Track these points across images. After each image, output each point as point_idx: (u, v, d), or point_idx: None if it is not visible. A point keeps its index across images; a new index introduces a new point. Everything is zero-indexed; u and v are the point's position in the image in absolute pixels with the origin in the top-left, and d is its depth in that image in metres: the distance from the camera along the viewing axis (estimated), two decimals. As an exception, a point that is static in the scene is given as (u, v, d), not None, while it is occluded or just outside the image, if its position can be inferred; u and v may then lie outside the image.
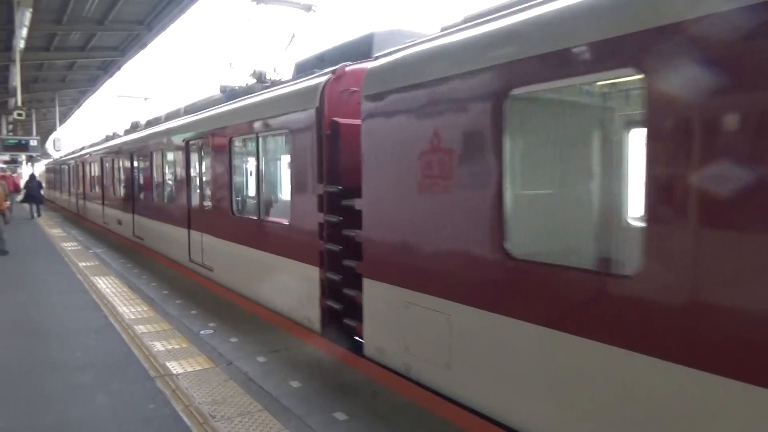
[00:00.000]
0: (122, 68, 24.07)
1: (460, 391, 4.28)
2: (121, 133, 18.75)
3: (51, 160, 39.15)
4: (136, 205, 14.26)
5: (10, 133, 27.50)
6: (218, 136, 8.69)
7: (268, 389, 4.85)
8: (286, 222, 6.86)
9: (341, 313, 5.85)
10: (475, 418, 4.07)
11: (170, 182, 12.00)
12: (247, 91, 8.83)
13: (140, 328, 6.71)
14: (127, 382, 5.04)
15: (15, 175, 33.10)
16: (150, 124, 14.85)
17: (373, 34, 6.69)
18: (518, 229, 3.90)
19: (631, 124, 4.78)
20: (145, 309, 7.71)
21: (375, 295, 5.19)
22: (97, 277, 10.01)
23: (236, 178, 8.55)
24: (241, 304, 7.82)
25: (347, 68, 6.09)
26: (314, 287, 6.16)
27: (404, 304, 4.74)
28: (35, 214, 22.97)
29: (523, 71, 3.65)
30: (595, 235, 4.64)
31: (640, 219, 3.87)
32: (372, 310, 5.28)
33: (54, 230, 18.56)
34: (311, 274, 6.19)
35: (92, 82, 28.42)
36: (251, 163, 8.70)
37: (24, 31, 14.31)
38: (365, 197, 5.22)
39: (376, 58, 5.34)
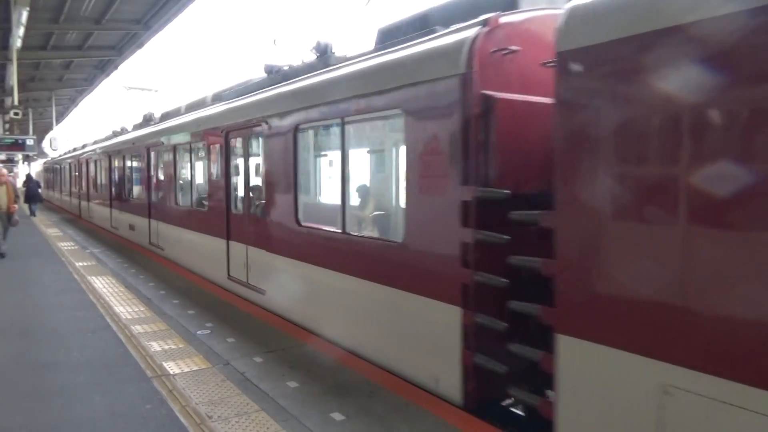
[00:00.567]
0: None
1: None
2: (130, 127, 17.49)
3: (50, 158, 37.35)
4: (154, 208, 12.54)
5: (7, 133, 27.40)
6: (274, 125, 6.96)
7: (265, 389, 4.84)
8: (396, 239, 5.17)
9: (504, 379, 3.99)
10: (473, 419, 4.07)
11: (200, 182, 10.46)
12: (310, 68, 7.04)
13: (137, 328, 6.69)
14: (123, 383, 5.02)
15: (11, 174, 32.90)
16: (166, 116, 13.23)
17: None
18: None
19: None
20: (141, 309, 7.69)
21: (589, 367, 3.25)
22: (93, 277, 9.98)
23: (304, 177, 6.97)
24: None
25: (502, 18, 4.30)
26: (451, 335, 4.31)
27: (663, 389, 2.86)
28: (35, 213, 23.37)
29: None
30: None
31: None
32: (581, 388, 3.33)
33: (51, 230, 18.51)
34: (444, 315, 4.37)
35: (89, 82, 28.38)
36: (330, 158, 7.39)
37: (21, 30, 14.29)
38: (565, 210, 3.39)
39: None
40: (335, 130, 6.31)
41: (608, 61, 3.16)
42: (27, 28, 14.55)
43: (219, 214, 8.73)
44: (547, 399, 3.73)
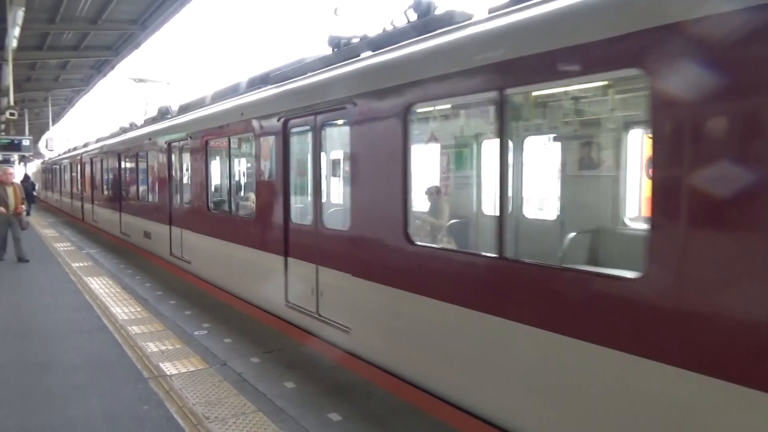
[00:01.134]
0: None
1: None
2: (141, 122, 15.84)
3: (49, 158, 35.21)
4: (178, 214, 10.64)
5: (3, 133, 27.32)
6: (368, 106, 5.15)
7: (263, 390, 4.83)
8: (635, 275, 3.11)
9: None
10: (470, 419, 4.07)
11: (244, 183, 9.24)
12: (411, 31, 5.24)
13: (134, 329, 6.67)
14: (120, 384, 5.01)
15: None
16: (186, 108, 11.43)
17: None
18: None
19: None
20: (138, 310, 7.67)
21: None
22: (90, 278, 9.95)
23: (409, 177, 4.75)
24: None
25: None
26: None
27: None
28: (29, 213, 23.20)
29: None
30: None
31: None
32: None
33: (47, 230, 18.45)
34: None
35: (86, 82, 28.29)
36: (471, 148, 6.29)
37: (16, 30, 14.23)
38: None
39: None
40: (485, 109, 4.90)
41: None
42: (23, 29, 14.48)
43: (272, 224, 6.95)
44: None
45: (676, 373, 2.83)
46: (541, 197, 6.80)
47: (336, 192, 8.06)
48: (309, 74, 6.63)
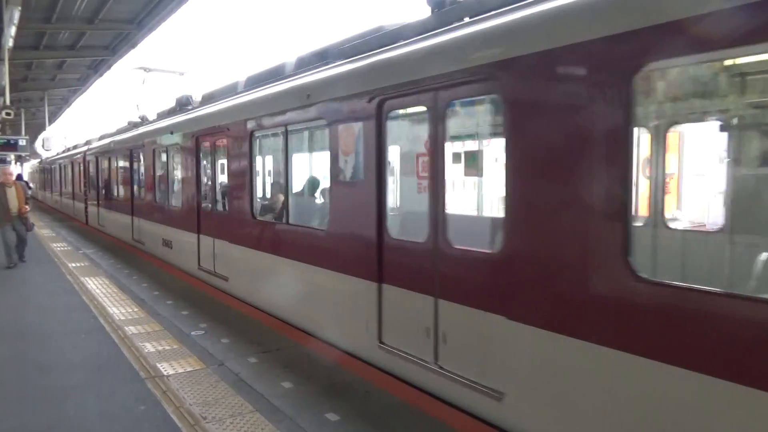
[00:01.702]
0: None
1: None
2: (152, 117, 14.42)
3: (47, 156, 33.86)
4: (209, 221, 9.03)
5: (-1, 133, 27.26)
6: (562, 71, 3.51)
7: (260, 390, 4.83)
8: None
9: None
10: (468, 419, 4.08)
11: (309, 187, 7.44)
12: None
13: (130, 329, 6.66)
14: (117, 384, 5.00)
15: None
16: (211, 98, 9.84)
17: None
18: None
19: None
20: (135, 310, 7.66)
21: None
22: (86, 278, 9.93)
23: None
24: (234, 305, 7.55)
25: None
26: None
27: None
28: None
29: None
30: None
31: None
32: None
33: (43, 231, 18.40)
34: None
35: (82, 82, 28.24)
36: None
37: (12, 30, 14.19)
38: None
39: None
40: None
41: None
42: (19, 28, 14.45)
43: (356, 237, 5.34)
44: None
45: None
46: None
47: (469, 196, 6.46)
48: (405, 42, 5.05)
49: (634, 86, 3.03)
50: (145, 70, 17.95)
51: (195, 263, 9.41)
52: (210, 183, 9.31)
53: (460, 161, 5.79)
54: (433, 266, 4.46)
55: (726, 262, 3.58)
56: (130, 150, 13.79)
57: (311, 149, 7.59)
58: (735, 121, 4.32)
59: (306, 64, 6.98)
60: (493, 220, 4.76)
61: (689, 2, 2.78)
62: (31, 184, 32.85)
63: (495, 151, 5.00)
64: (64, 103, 35.39)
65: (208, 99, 10.11)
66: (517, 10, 3.89)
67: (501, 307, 3.84)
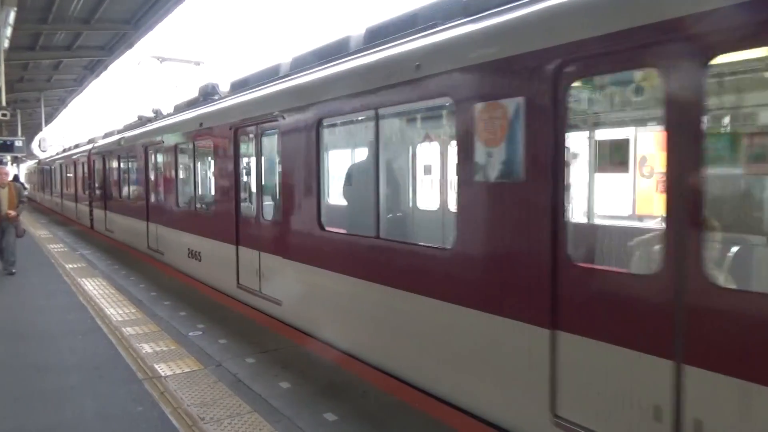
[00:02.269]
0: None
1: None
2: (167, 109, 13.12)
3: (46, 156, 32.15)
4: (251, 232, 7.45)
5: (-5, 134, 27.18)
6: None
7: (258, 390, 4.82)
8: None
9: None
10: (466, 418, 4.08)
11: (413, 189, 6.45)
12: None
13: (128, 330, 6.65)
14: (114, 385, 4.99)
15: None
16: (244, 84, 8.60)
17: None
18: None
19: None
20: (132, 311, 7.64)
21: None
22: (84, 279, 9.90)
23: None
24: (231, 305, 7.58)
25: None
26: None
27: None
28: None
29: None
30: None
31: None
32: None
33: (40, 232, 18.35)
34: None
35: (79, 82, 28.20)
36: None
37: (8, 31, 14.18)
38: None
39: None
40: None
41: None
42: (15, 29, 14.44)
43: (507, 262, 3.85)
44: None
45: None
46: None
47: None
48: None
49: None
50: (159, 60, 16.63)
51: (233, 280, 7.84)
52: (253, 184, 7.62)
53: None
54: (671, 312, 2.87)
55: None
56: (145, 147, 12.16)
57: (416, 138, 6.24)
58: None
59: (373, 38, 5.76)
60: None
61: None
62: (26, 185, 32.73)
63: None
64: (61, 103, 35.34)
65: (240, 86, 8.74)
66: None
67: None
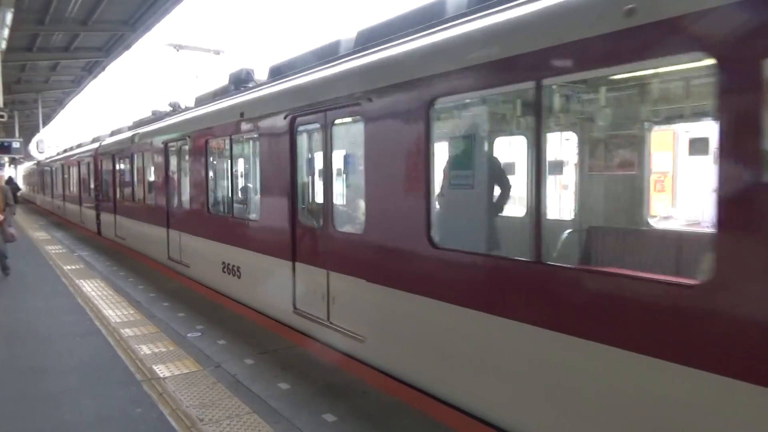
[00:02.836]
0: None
1: None
2: (184, 103, 12.09)
3: (46, 157, 30.96)
4: (310, 242, 6.14)
5: (-8, 135, 27.12)
6: None
7: (257, 391, 4.82)
8: None
9: None
10: (464, 418, 4.08)
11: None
12: None
13: (126, 332, 6.64)
14: (113, 387, 4.98)
15: None
16: (289, 68, 7.25)
17: None
18: None
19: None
20: (131, 312, 7.63)
21: None
22: (82, 281, 9.89)
23: None
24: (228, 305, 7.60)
25: None
26: None
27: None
28: (14, 212, 23.43)
29: None
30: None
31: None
32: None
33: (38, 233, 18.31)
34: None
35: (76, 83, 28.15)
36: None
37: (5, 32, 14.12)
38: None
39: None
40: None
41: None
42: (12, 30, 14.37)
43: None
44: None
45: None
46: None
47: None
48: None
49: None
50: (175, 48, 15.04)
51: (286, 304, 6.49)
52: (318, 186, 6.44)
53: None
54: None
55: None
56: (165, 143, 10.74)
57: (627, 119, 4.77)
58: None
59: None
60: None
61: None
62: (21, 187, 32.65)
63: None
64: (59, 105, 35.26)
65: (284, 70, 7.36)
66: None
67: None
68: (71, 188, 22.29)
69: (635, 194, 5.15)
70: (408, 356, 4.81)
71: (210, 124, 8.82)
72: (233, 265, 7.94)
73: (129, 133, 14.04)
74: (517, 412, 3.83)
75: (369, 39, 5.72)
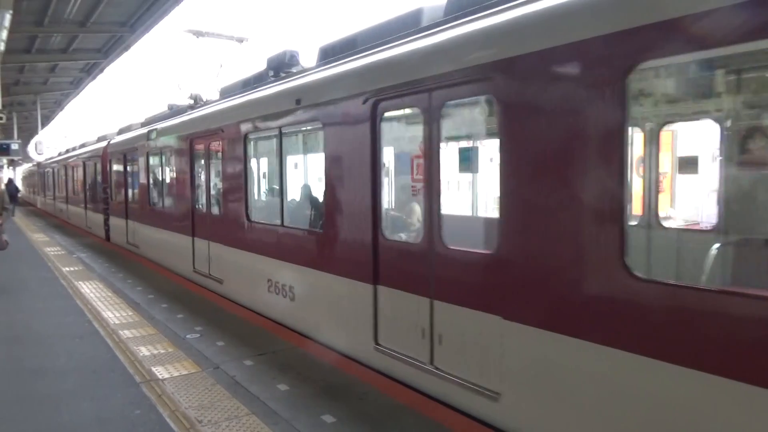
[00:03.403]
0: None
1: None
2: (209, 95, 10.64)
3: (49, 158, 29.86)
4: (401, 263, 4.79)
5: (-9, 137, 27.12)
6: None
7: (256, 393, 4.81)
8: None
9: None
10: (463, 419, 4.08)
11: None
12: None
13: (125, 333, 6.63)
14: (112, 388, 4.98)
15: None
16: (347, 46, 6.05)
17: None
18: None
19: None
20: (130, 313, 7.62)
21: None
22: (80, 282, 9.88)
23: None
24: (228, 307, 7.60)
25: None
26: None
27: None
28: (12, 215, 23.78)
29: None
30: None
31: None
32: None
33: (36, 235, 18.30)
34: None
35: (75, 85, 28.16)
36: None
37: (4, 34, 14.12)
38: None
39: None
40: None
41: None
42: (10, 31, 14.37)
43: None
44: None
45: None
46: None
47: None
48: None
49: None
50: (195, 35, 13.47)
51: (365, 336, 5.17)
52: (415, 189, 5.31)
53: None
54: None
55: None
56: (190, 140, 9.42)
57: None
58: None
59: None
60: None
61: None
62: (20, 189, 32.74)
63: None
64: (57, 106, 35.27)
65: (340, 50, 6.14)
66: None
67: None
68: (76, 190, 20.80)
69: None
70: (573, 426, 3.39)
71: (250, 115, 7.36)
72: (283, 285, 6.65)
73: (143, 130, 12.61)
74: None
75: (455, 8, 4.52)
